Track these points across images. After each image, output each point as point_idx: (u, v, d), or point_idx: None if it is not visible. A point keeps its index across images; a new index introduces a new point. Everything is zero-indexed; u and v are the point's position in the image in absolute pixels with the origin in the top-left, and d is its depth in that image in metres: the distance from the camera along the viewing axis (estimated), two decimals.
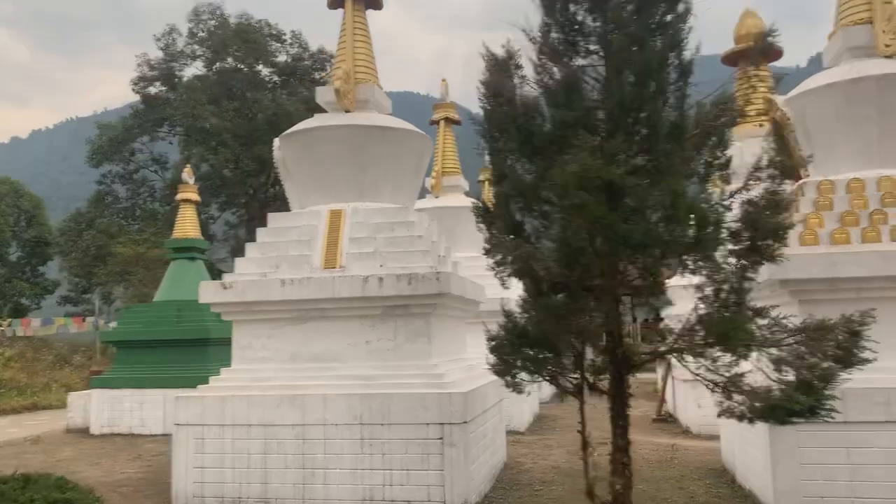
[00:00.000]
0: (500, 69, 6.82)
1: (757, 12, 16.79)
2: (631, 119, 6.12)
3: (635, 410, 18.49)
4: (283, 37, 44.53)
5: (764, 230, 6.38)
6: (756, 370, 6.62)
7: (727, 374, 6.67)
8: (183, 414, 9.50)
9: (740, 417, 6.73)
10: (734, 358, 6.51)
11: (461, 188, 18.30)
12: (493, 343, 7.40)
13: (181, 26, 44.71)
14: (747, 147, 14.88)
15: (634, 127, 6.09)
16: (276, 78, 46.03)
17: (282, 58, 45.21)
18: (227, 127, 39.69)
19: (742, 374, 6.64)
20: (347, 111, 10.61)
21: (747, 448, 9.64)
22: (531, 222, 6.96)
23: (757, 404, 6.52)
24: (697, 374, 6.82)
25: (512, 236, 6.90)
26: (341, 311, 9.68)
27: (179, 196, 18.61)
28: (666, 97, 6.21)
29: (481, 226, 7.12)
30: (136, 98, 45.52)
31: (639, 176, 5.77)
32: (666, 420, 16.36)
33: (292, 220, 10.50)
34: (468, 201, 17.36)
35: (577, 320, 6.64)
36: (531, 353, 7.20)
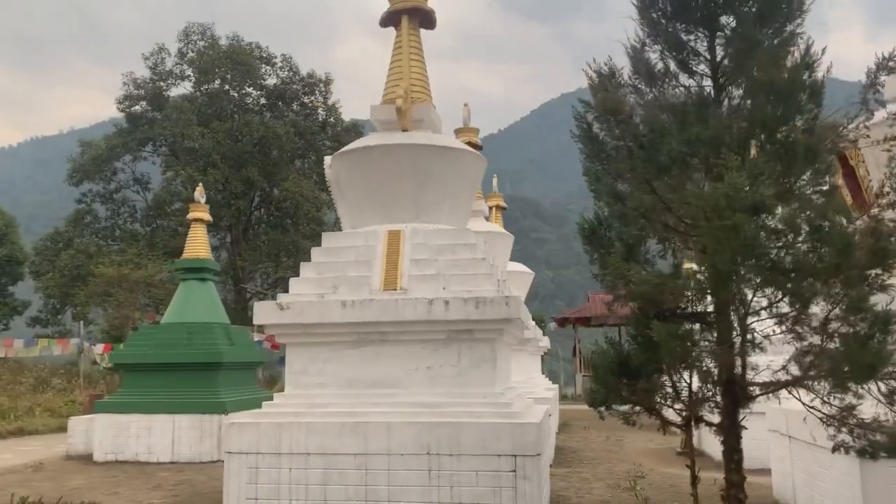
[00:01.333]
0: (613, 88, 6.62)
1: None
2: (765, 139, 5.94)
3: (651, 443, 18.36)
4: (274, 59, 44.27)
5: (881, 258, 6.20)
6: (863, 402, 6.42)
7: (838, 406, 6.46)
8: (236, 441, 9.00)
9: (861, 453, 6.50)
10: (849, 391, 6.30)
11: (483, 213, 18.06)
12: (596, 371, 7.13)
13: (170, 46, 44.22)
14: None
15: (770, 147, 5.89)
16: (263, 100, 45.68)
17: (271, 80, 44.91)
18: (217, 148, 39.13)
19: (854, 407, 6.43)
20: (405, 130, 10.32)
21: (817, 483, 9.40)
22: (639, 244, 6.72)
23: (879, 438, 6.30)
24: (811, 408, 6.60)
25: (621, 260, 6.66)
26: (403, 335, 9.30)
27: (191, 215, 18.10)
28: (798, 117, 6.04)
29: (587, 248, 6.87)
30: (105, 117, 44.82)
31: (782, 198, 5.57)
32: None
33: (348, 239, 10.13)
34: (491, 226, 17.09)
35: (693, 349, 6.38)
36: (635, 383, 6.95)
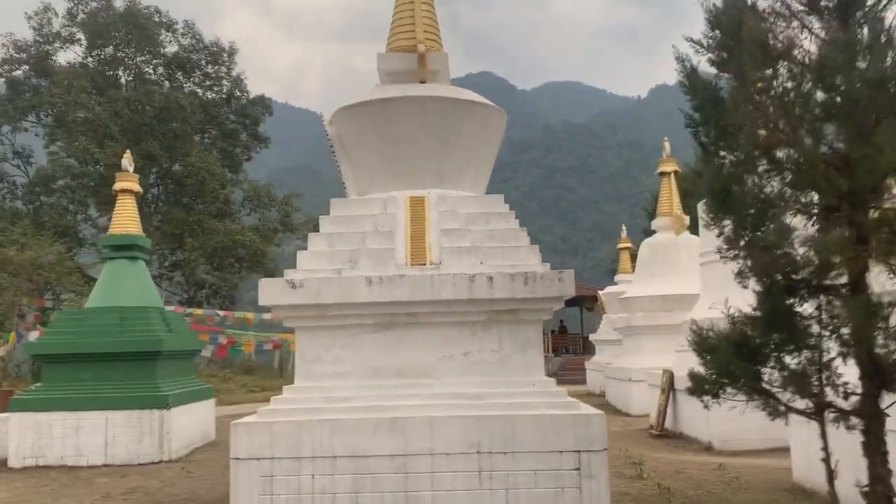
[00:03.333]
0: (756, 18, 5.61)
1: None
2: None
3: (615, 426, 17.77)
4: (175, 25, 41.17)
5: None
6: None
7: None
8: (244, 446, 7.53)
9: None
10: None
11: None
12: (711, 355, 6.16)
13: (57, 5, 40.35)
14: None
15: None
16: (161, 69, 42.49)
17: (171, 48, 41.81)
18: (115, 119, 36.00)
19: None
20: (423, 81, 9.03)
21: None
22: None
23: None
24: None
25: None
26: (436, 317, 8.08)
27: (118, 185, 15.93)
28: None
29: (713, 210, 5.87)
30: None
31: None
32: (666, 435, 15.60)
33: (362, 207, 8.77)
34: None
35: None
36: (755, 366, 6.04)
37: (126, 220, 15.95)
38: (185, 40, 41.52)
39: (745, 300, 6.06)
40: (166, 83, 42.42)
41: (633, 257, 28.60)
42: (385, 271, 8.09)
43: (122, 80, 41.92)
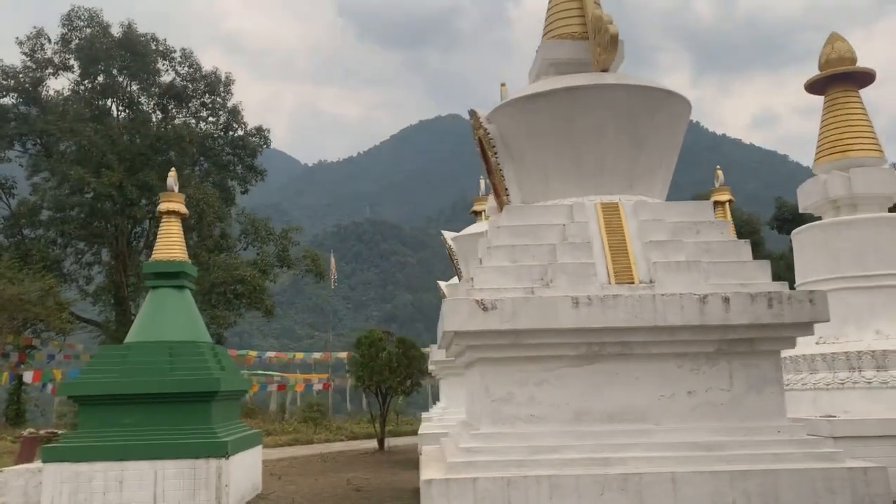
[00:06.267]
0: None
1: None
2: None
3: None
4: (172, 53, 39.57)
5: None
6: None
7: None
8: None
9: None
10: None
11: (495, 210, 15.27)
12: None
13: (49, 31, 38.58)
14: (856, 176, 13.47)
15: None
16: (155, 99, 40.75)
17: (167, 77, 40.13)
18: (112, 147, 34.16)
19: None
20: (605, 70, 7.66)
21: None
22: None
23: None
24: None
25: None
26: (654, 347, 6.60)
27: (163, 206, 14.25)
28: None
29: None
30: None
31: None
32: None
33: (543, 215, 7.29)
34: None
35: None
36: None
37: (172, 244, 14.25)
38: (182, 69, 39.90)
39: None
40: (158, 113, 40.68)
41: None
42: (588, 290, 6.62)
43: (114, 110, 40.12)
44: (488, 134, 7.75)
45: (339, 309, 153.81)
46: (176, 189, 14.59)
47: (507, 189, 7.83)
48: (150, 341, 13.34)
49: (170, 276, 14.06)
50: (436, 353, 20.54)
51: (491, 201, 15.25)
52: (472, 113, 8.11)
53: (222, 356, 14.33)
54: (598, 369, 6.63)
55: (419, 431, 20.38)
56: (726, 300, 6.43)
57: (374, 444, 24.14)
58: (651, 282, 6.76)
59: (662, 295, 6.47)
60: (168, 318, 13.71)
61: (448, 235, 19.65)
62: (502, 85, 15.63)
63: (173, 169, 15.26)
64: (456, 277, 18.16)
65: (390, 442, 24.55)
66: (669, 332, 6.49)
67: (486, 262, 6.96)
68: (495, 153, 7.78)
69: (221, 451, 12.33)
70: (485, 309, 6.39)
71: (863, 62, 14.49)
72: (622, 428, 6.52)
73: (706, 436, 6.43)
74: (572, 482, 5.99)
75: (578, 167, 7.45)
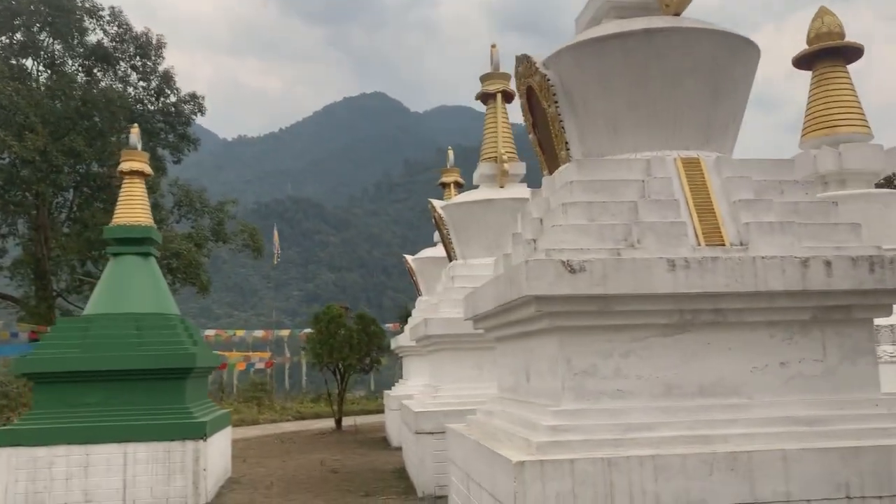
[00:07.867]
0: None
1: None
2: None
3: None
4: (100, 12, 37.17)
5: None
6: None
7: None
8: (537, 493, 5.23)
9: None
10: None
11: (520, 177, 14.67)
12: None
13: None
14: (847, 152, 13.40)
15: None
16: (80, 60, 38.25)
17: (94, 37, 37.71)
18: (35, 109, 31.81)
19: None
20: (677, 14, 7.03)
21: None
22: None
23: None
24: None
25: None
26: (749, 315, 6.05)
27: (125, 166, 12.93)
28: None
29: None
30: None
31: None
32: None
33: (619, 170, 6.63)
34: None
35: None
36: None
37: (136, 207, 13.03)
38: (111, 29, 37.56)
39: None
40: (83, 76, 38.22)
41: None
42: (679, 252, 6.01)
43: (33, 70, 37.51)
44: (548, 80, 7.02)
45: (260, 288, 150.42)
46: (139, 147, 13.33)
47: (566, 143, 7.12)
48: (114, 313, 12.17)
49: (134, 241, 12.87)
50: (401, 339, 19.98)
51: (483, 168, 14.58)
52: (524, 58, 7.37)
53: (193, 330, 13.23)
54: (689, 339, 6.04)
55: (387, 394, 19.82)
56: (828, 264, 5.92)
57: (329, 423, 23.30)
58: (742, 244, 6.20)
59: (763, 258, 5.91)
60: (133, 288, 12.56)
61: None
62: (493, 46, 14.93)
63: (136, 125, 14.01)
64: (441, 247, 17.42)
65: (346, 421, 23.75)
66: (768, 298, 5.95)
67: (561, 219, 6.25)
68: (556, 102, 7.06)
69: (199, 432, 11.36)
70: (572, 271, 5.69)
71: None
72: (715, 402, 5.95)
73: (803, 409, 5.94)
74: (678, 462, 5.39)
75: (652, 119, 6.82)
